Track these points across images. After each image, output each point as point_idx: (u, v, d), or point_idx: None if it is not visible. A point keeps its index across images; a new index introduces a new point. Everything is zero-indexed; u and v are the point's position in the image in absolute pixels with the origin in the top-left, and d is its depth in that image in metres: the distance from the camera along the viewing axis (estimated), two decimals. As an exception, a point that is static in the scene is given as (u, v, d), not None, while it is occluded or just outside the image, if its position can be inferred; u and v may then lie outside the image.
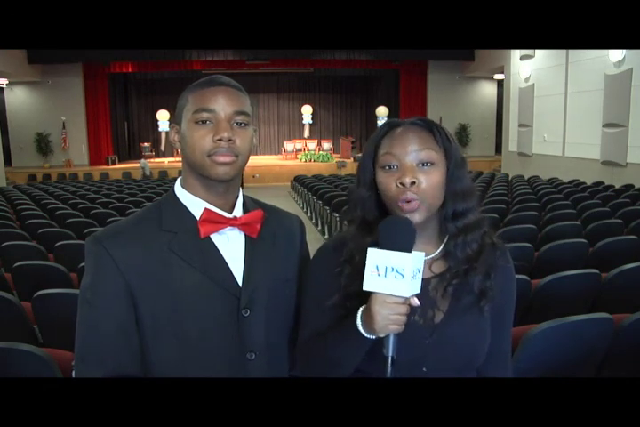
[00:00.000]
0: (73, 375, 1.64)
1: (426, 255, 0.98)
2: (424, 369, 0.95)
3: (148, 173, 13.13)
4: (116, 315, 0.94)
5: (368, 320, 0.85)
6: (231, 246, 1.02)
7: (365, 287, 0.85)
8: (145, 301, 0.95)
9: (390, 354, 0.85)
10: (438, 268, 0.99)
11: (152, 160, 15.32)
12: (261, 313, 1.01)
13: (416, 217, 0.92)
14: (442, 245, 1.00)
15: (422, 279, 0.95)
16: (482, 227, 0.99)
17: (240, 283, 1.00)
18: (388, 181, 0.94)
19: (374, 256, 0.85)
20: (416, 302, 0.86)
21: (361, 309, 0.88)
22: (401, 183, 0.92)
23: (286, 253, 1.09)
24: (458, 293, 0.97)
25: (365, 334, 0.87)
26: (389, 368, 0.85)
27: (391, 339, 0.85)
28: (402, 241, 0.86)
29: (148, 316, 0.96)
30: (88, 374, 0.93)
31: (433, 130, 0.97)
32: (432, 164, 0.94)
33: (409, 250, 0.85)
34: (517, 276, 2.32)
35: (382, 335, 0.85)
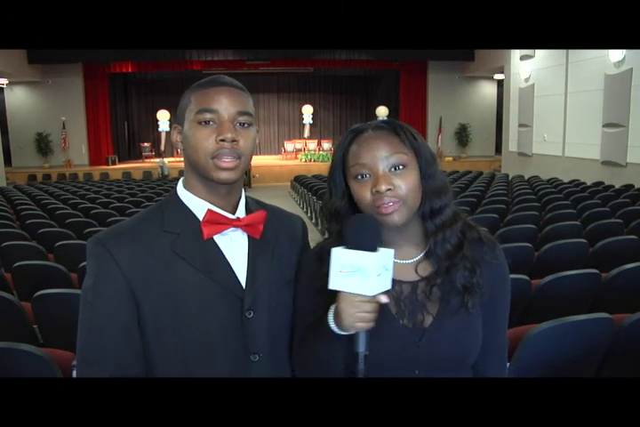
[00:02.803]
0: (73, 375, 1.64)
1: (412, 258, 0.99)
2: (416, 372, 0.94)
3: (166, 173, 12.68)
4: (118, 316, 0.94)
5: (337, 318, 0.86)
6: (234, 247, 1.01)
7: (331, 286, 0.85)
8: (147, 302, 0.95)
9: (361, 351, 0.86)
10: (425, 270, 0.99)
11: (152, 160, 15.30)
12: (265, 314, 1.01)
13: (396, 218, 0.92)
14: (427, 247, 1.00)
15: (410, 283, 0.96)
16: (458, 220, 0.99)
17: (243, 284, 1.00)
18: (362, 191, 0.94)
19: (338, 256, 0.85)
20: (384, 299, 0.85)
21: (332, 307, 0.89)
22: (377, 191, 0.91)
23: (289, 253, 1.08)
24: (446, 295, 0.96)
25: (337, 331, 0.87)
26: (361, 365, 0.85)
27: (361, 336, 0.86)
28: (367, 240, 0.85)
29: (151, 317, 0.95)
30: (90, 375, 0.93)
31: (398, 131, 0.96)
32: (404, 166, 0.94)
33: (374, 248, 0.85)
34: (517, 276, 2.34)
35: (352, 332, 0.86)
